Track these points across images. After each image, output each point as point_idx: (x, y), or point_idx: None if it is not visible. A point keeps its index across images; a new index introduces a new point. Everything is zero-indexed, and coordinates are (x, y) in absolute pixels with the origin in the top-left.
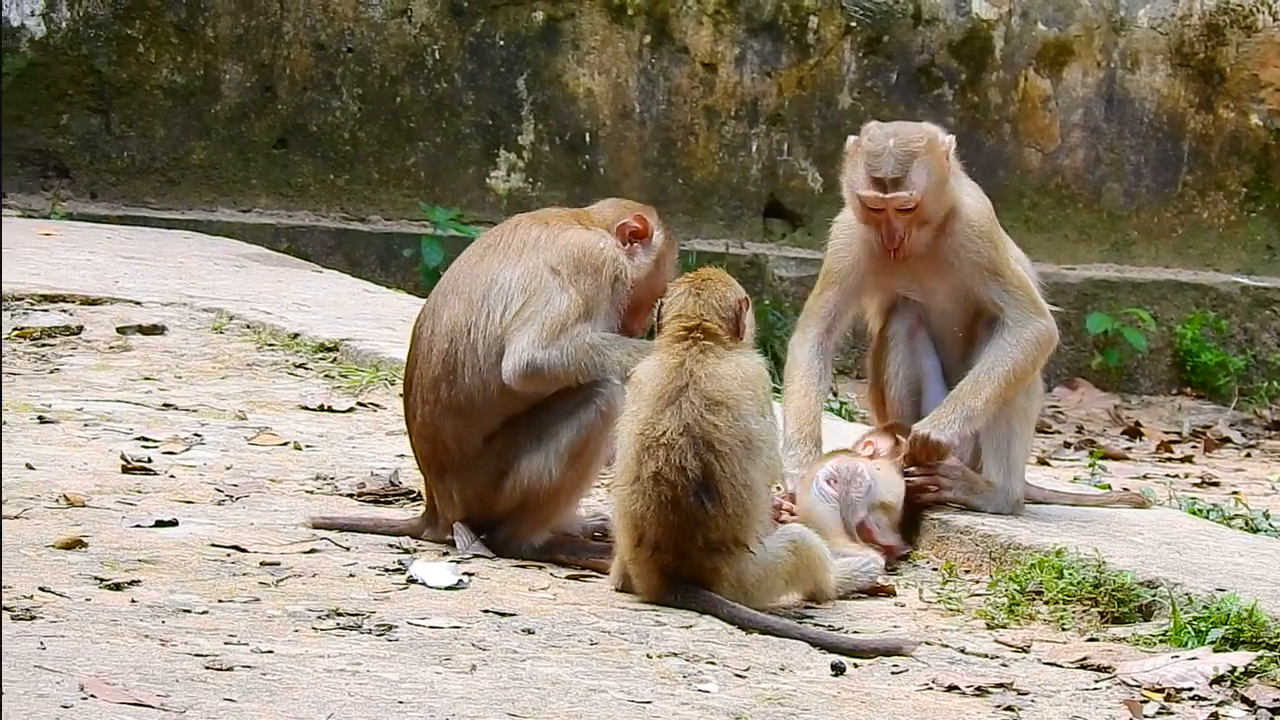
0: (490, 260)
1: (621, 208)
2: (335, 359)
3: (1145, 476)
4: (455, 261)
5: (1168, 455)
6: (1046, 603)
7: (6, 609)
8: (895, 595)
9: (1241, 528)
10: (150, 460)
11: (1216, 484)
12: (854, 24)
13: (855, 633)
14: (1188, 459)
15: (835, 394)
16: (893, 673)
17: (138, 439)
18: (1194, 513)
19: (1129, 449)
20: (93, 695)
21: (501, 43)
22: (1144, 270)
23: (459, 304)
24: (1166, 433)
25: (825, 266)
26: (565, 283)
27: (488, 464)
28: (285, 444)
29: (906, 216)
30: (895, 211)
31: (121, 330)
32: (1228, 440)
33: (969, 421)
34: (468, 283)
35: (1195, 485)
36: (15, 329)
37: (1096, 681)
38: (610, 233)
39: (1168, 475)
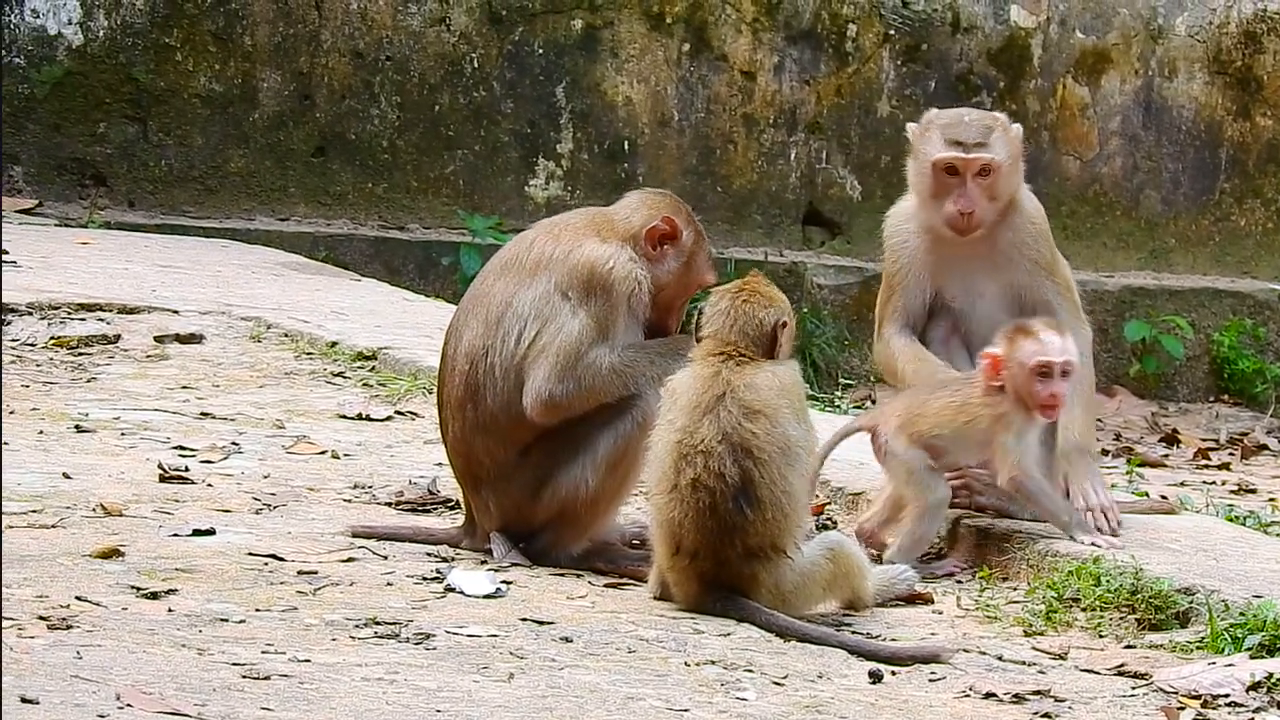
0: (506, 280)
1: (647, 207)
2: (373, 367)
3: (1182, 484)
4: (478, 277)
5: (1205, 462)
6: (1084, 610)
7: (43, 619)
8: (933, 603)
9: (1278, 535)
10: (187, 469)
11: (1254, 491)
12: (893, 32)
13: (893, 640)
14: (1225, 466)
15: (874, 400)
16: (930, 680)
17: (175, 448)
18: (1230, 520)
19: (1166, 456)
20: (129, 704)
21: (540, 51)
22: (1181, 278)
23: (478, 325)
24: (1204, 440)
25: (886, 269)
26: (576, 306)
27: (524, 475)
28: (323, 452)
29: (984, 182)
30: (974, 176)
31: (159, 339)
32: (1265, 447)
33: (1087, 457)
34: (485, 303)
35: (1232, 492)
36: (53, 338)
37: (1134, 688)
38: (635, 239)
39: (1205, 482)
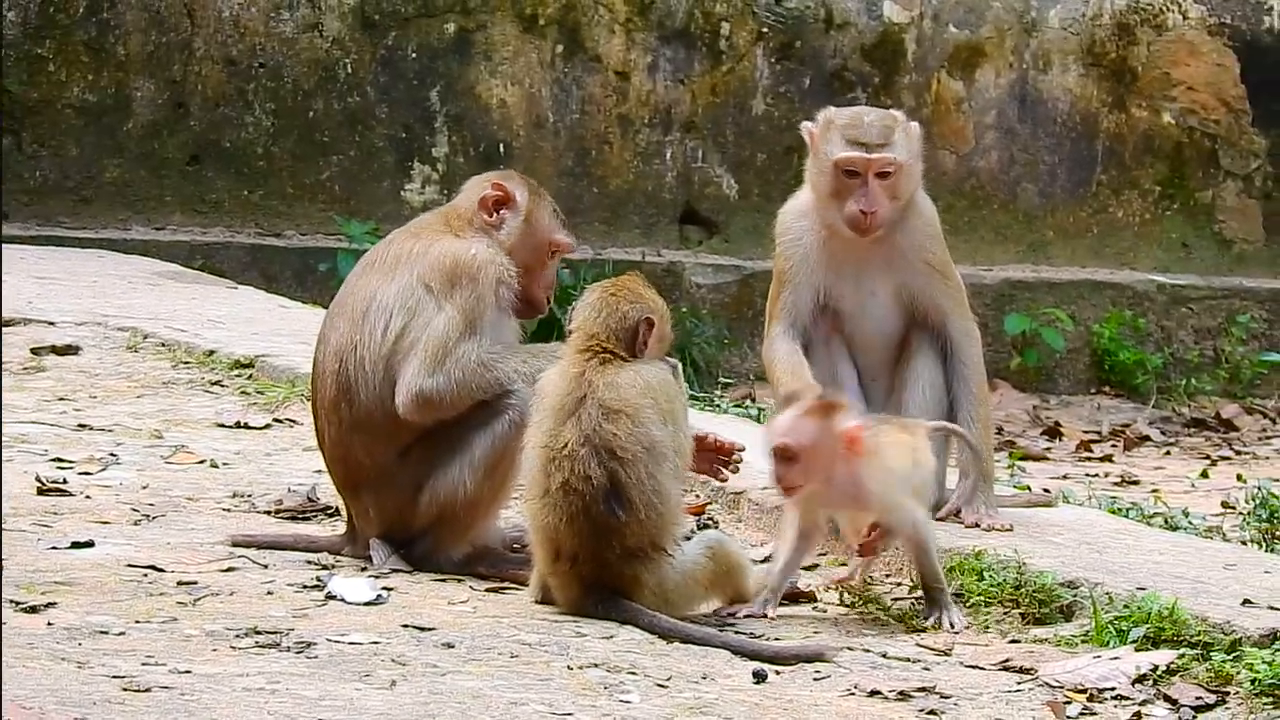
0: (369, 278)
1: (478, 184)
2: (251, 375)
3: (1065, 476)
4: (344, 282)
5: (1087, 454)
6: (967, 605)
7: None
8: (816, 600)
9: (1161, 526)
10: (66, 481)
11: (1136, 482)
12: (766, 30)
13: (776, 640)
14: (1107, 458)
15: (753, 399)
16: (815, 679)
17: (53, 460)
18: (1113, 512)
19: (1049, 449)
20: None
21: (414, 55)
22: (1060, 270)
23: (344, 324)
24: (1086, 432)
25: (777, 266)
26: (441, 299)
27: (403, 478)
28: (202, 462)
29: (884, 183)
30: (875, 176)
31: (35, 351)
32: (1147, 438)
33: (990, 482)
34: (349, 302)
35: (1115, 484)
36: None
37: (1019, 683)
38: (476, 218)
39: (1088, 475)
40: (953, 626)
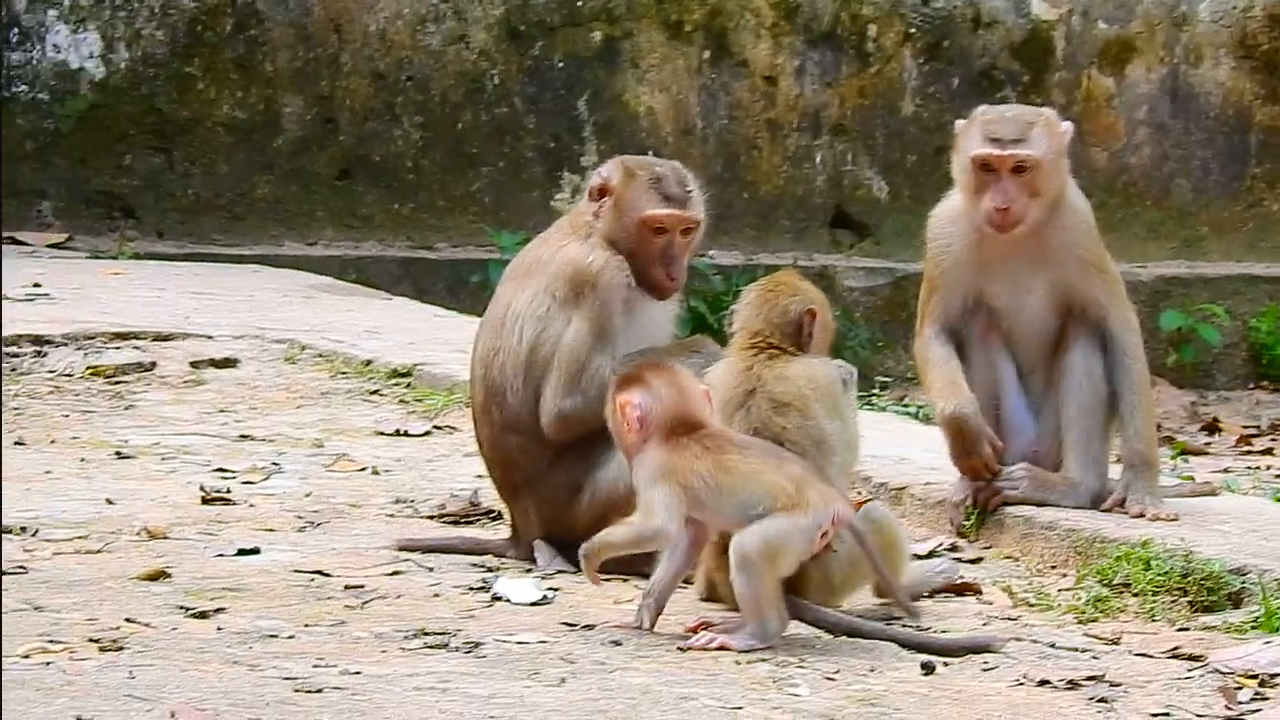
0: (507, 286)
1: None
2: (409, 384)
3: (1226, 470)
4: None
5: (1248, 449)
6: (1135, 595)
7: (94, 641)
8: (981, 593)
9: None
10: (229, 491)
11: None
12: (913, 30)
13: (943, 632)
14: (1268, 451)
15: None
16: (983, 670)
17: (216, 470)
18: (1279, 499)
19: (1208, 444)
20: None
21: (560, 64)
22: (1215, 265)
23: (488, 332)
24: (1245, 427)
25: (927, 270)
26: (568, 310)
27: (560, 479)
28: (363, 469)
29: (1021, 179)
30: (1010, 172)
31: (195, 364)
32: None
33: (1154, 471)
34: (493, 311)
35: (1277, 477)
36: (89, 367)
37: (1189, 670)
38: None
39: (1249, 468)
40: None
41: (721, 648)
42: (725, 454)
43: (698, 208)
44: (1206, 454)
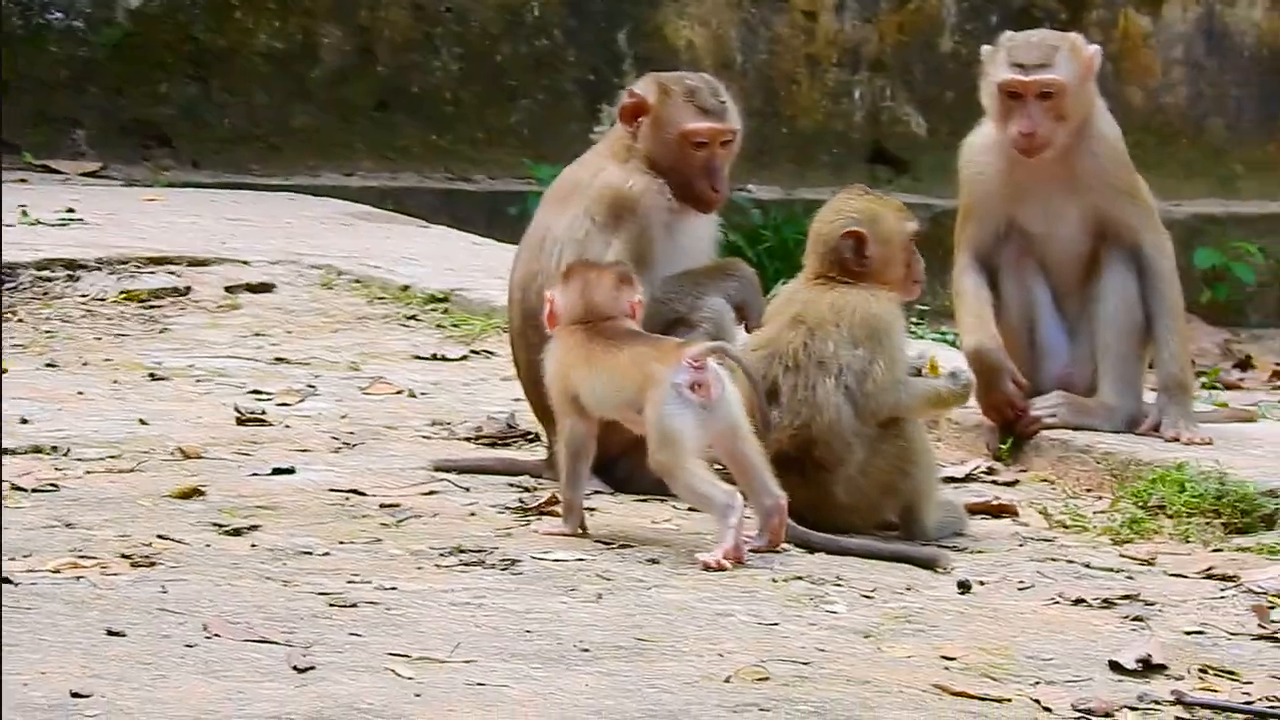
0: (545, 211)
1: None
2: (446, 309)
3: (1258, 404)
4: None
5: None
6: (1170, 516)
7: (126, 557)
8: (1018, 515)
9: None
10: (264, 412)
11: None
12: None
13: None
14: None
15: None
16: (1019, 589)
17: (251, 392)
18: None
19: (1242, 379)
20: (216, 635)
21: None
22: (1249, 204)
23: (527, 255)
24: (1278, 363)
25: (961, 199)
26: (608, 234)
27: None
28: (400, 392)
29: (1046, 104)
30: (1035, 97)
31: (230, 289)
32: None
33: (1189, 395)
34: (531, 235)
35: None
36: (123, 292)
37: (1222, 590)
38: (626, 134)
39: None
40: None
41: (733, 563)
42: (594, 345)
43: (735, 118)
44: (1240, 388)
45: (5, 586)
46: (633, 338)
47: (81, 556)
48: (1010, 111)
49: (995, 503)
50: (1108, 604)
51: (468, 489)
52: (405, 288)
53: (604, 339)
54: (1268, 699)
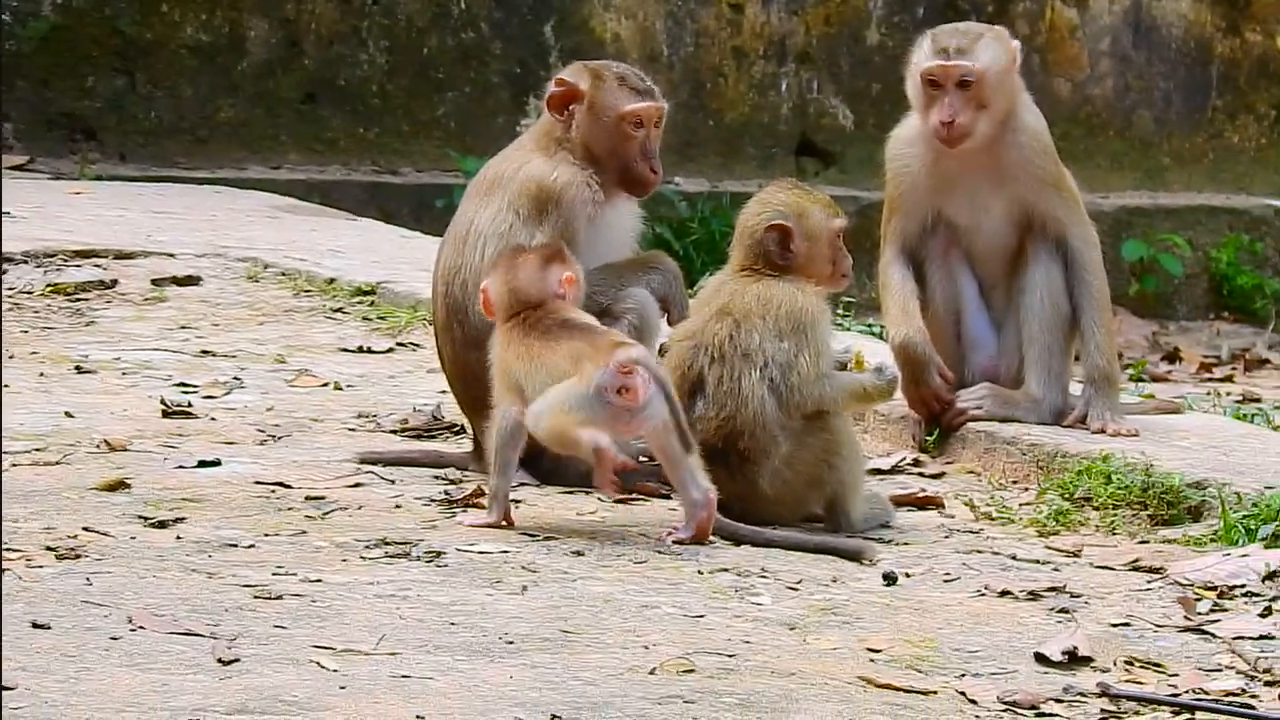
0: (469, 203)
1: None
2: (373, 302)
3: (1185, 396)
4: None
5: (1208, 376)
6: (1096, 508)
7: (51, 549)
8: (944, 507)
9: None
10: (190, 405)
11: (1258, 400)
12: None
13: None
14: (1228, 378)
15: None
16: (945, 581)
17: (177, 385)
18: (1239, 418)
19: (1169, 372)
20: (141, 626)
21: None
22: (1177, 196)
23: (450, 248)
24: (1205, 356)
25: (887, 192)
26: (533, 226)
27: None
28: (325, 385)
29: (966, 94)
30: (955, 86)
31: (156, 282)
32: (1267, 361)
33: (1115, 388)
34: (455, 227)
35: (1237, 402)
36: (49, 285)
37: (1149, 582)
38: (555, 125)
39: (1208, 394)
40: None
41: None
42: (531, 340)
43: (662, 96)
44: (1168, 380)
45: None
46: (569, 331)
47: (6, 549)
48: (932, 101)
49: (921, 495)
50: (1034, 596)
51: (393, 481)
52: (332, 280)
53: (540, 332)
54: (1193, 691)
